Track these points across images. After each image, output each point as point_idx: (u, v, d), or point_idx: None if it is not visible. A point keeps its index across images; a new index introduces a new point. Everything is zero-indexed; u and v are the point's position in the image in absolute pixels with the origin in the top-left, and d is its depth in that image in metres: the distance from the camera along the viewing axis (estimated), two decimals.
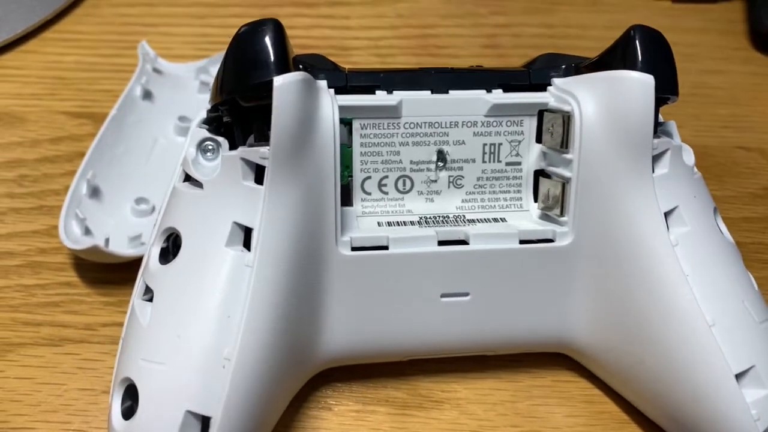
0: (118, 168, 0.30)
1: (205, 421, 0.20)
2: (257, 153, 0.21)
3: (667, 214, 0.23)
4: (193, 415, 0.20)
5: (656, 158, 0.24)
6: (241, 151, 0.22)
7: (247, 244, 0.22)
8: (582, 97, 0.24)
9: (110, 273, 0.28)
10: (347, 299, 0.24)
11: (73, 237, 0.27)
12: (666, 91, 0.24)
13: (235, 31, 0.22)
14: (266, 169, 0.21)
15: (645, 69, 0.23)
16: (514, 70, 0.26)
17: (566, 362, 0.27)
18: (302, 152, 0.22)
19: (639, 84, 0.23)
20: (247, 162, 0.22)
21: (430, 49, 0.38)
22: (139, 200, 0.29)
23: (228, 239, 0.21)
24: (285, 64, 0.21)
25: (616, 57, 0.24)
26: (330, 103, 0.22)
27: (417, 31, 0.39)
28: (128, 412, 0.21)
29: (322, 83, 0.23)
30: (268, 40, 0.22)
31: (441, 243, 0.24)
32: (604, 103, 0.23)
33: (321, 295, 0.23)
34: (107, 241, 0.27)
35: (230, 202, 0.22)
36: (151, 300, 0.22)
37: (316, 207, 0.23)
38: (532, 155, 0.26)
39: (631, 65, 0.23)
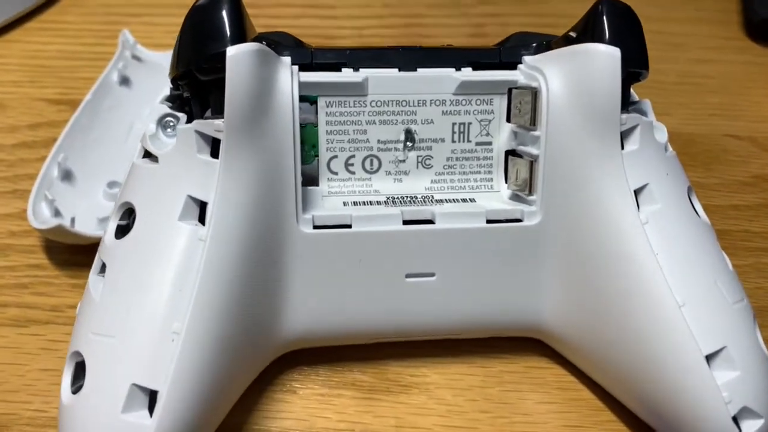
0: (91, 152, 0.30)
1: (152, 396, 0.20)
2: (212, 126, 0.21)
3: (637, 192, 0.23)
4: (140, 388, 0.20)
5: (626, 134, 0.23)
6: (196, 123, 0.21)
7: (202, 219, 0.21)
8: (549, 72, 0.23)
9: (79, 255, 0.28)
10: (309, 278, 0.23)
11: (41, 218, 0.27)
12: (635, 64, 0.23)
13: None
14: (221, 141, 0.21)
15: (612, 42, 0.22)
16: (484, 48, 0.25)
17: (539, 348, 0.26)
18: (259, 126, 0.21)
19: (605, 57, 0.22)
20: (202, 135, 0.21)
21: (415, 38, 0.38)
22: (112, 184, 0.29)
23: (181, 213, 0.21)
24: (241, 36, 0.21)
25: (584, 32, 0.23)
26: (289, 78, 0.22)
27: (403, 21, 0.39)
28: (78, 387, 0.20)
29: (286, 59, 0.23)
30: (224, 11, 0.21)
31: (406, 222, 0.23)
32: (571, 77, 0.23)
33: (281, 273, 0.23)
34: (73, 221, 0.27)
35: (185, 175, 0.21)
36: (105, 275, 0.21)
37: (275, 183, 0.22)
38: (502, 135, 0.25)
39: (599, 39, 0.23)
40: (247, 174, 0.21)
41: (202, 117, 0.22)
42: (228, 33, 0.21)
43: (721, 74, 0.38)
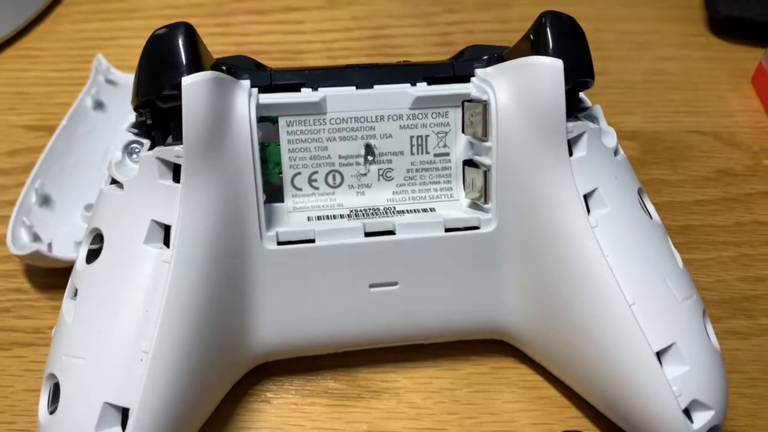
0: (68, 176, 0.31)
1: (124, 413, 0.21)
2: (172, 152, 0.22)
3: (587, 197, 0.24)
4: (112, 406, 0.20)
5: (573, 141, 0.24)
6: (157, 150, 0.22)
7: (167, 242, 0.22)
8: (498, 85, 0.24)
9: (59, 278, 0.28)
10: (275, 293, 0.24)
11: (20, 244, 0.28)
12: (579, 74, 0.24)
13: None
14: (182, 167, 0.22)
15: (556, 54, 0.23)
16: (438, 63, 0.26)
17: (506, 349, 0.27)
18: (218, 149, 0.22)
19: (548, 69, 0.23)
20: (163, 161, 0.22)
21: (383, 50, 0.39)
22: (89, 207, 0.30)
23: (146, 237, 0.22)
24: (196, 64, 0.22)
25: (530, 44, 0.24)
26: (246, 101, 0.23)
27: (370, 33, 0.40)
28: (55, 407, 0.21)
29: (244, 83, 0.24)
30: (179, 42, 0.22)
31: (368, 234, 0.24)
32: (518, 89, 0.24)
33: (248, 289, 0.24)
34: (50, 246, 0.27)
35: (148, 200, 0.22)
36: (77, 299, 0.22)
37: (238, 203, 0.23)
38: (459, 145, 0.26)
39: (543, 51, 0.23)
40: (209, 196, 0.22)
41: (164, 142, 0.23)
42: (183, 62, 0.22)
43: (686, 71, 0.39)
